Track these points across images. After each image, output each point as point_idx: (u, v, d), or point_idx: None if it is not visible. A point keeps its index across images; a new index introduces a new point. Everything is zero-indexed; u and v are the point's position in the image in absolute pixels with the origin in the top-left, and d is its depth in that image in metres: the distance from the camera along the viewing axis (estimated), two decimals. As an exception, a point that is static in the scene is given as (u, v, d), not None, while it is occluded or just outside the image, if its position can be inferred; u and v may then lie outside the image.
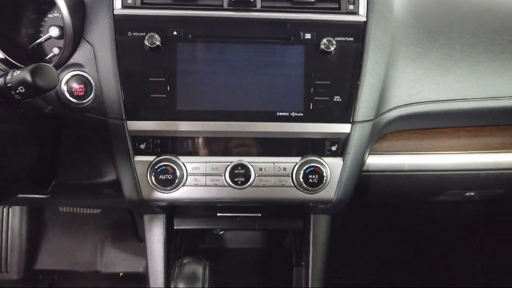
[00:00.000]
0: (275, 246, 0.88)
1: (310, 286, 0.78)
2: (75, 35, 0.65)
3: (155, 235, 0.76)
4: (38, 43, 0.71)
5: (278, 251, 0.87)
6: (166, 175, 0.64)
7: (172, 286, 0.66)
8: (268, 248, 0.87)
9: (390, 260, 1.32)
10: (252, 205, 0.75)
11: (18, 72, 0.49)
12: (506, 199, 0.86)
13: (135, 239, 1.38)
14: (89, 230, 1.38)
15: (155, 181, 0.65)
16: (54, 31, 0.71)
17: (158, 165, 0.64)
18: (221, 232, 0.84)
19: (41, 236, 1.39)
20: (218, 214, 0.74)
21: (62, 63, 0.66)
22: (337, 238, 0.85)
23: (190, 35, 0.64)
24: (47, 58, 0.73)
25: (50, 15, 0.74)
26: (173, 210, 0.76)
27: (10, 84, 0.49)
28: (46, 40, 0.70)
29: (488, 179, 0.77)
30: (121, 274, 1.35)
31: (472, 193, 0.80)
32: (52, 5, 0.69)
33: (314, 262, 0.80)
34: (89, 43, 0.65)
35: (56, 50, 0.73)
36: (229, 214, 0.75)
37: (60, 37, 0.72)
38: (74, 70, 0.65)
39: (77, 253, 1.37)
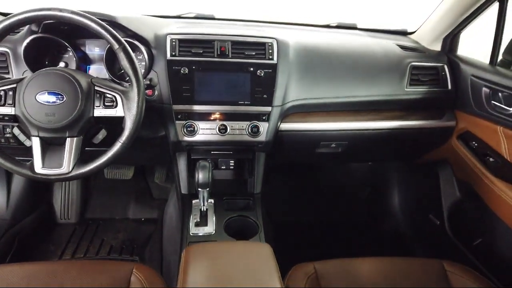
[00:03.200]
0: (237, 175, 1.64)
1: (255, 190, 1.55)
2: (149, 67, 1.43)
3: (182, 161, 1.51)
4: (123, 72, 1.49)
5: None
6: (190, 128, 1.41)
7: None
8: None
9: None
10: (228, 147, 1.53)
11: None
12: (351, 148, 1.67)
13: (150, 197, 2.12)
14: (122, 191, 2.09)
15: (186, 131, 1.41)
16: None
17: (187, 124, 1.41)
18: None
19: (90, 195, 2.09)
20: (212, 152, 1.52)
21: (141, 80, 1.44)
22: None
23: (200, 68, 1.43)
24: (127, 79, 1.50)
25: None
26: (189, 150, 1.52)
27: (148, 82, 1.23)
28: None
29: (339, 135, 1.58)
30: (143, 219, 2.06)
31: (333, 144, 1.62)
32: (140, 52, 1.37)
33: (257, 176, 1.52)
34: (155, 71, 1.43)
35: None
36: (217, 152, 1.52)
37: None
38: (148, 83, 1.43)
39: (114, 206, 2.08)
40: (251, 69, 1.42)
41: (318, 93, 1.50)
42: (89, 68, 1.49)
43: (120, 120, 1.13)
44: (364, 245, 1.98)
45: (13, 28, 1.07)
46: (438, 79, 1.61)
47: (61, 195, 2.00)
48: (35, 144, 1.09)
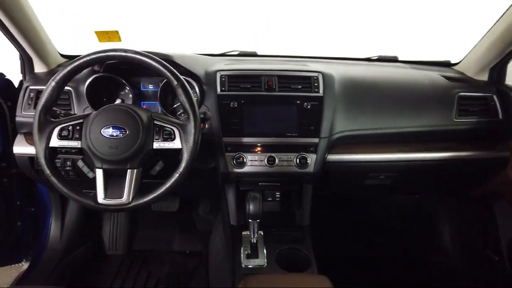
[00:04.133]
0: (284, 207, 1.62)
1: (303, 222, 1.53)
2: (201, 102, 1.49)
3: (230, 193, 1.52)
4: (175, 107, 1.56)
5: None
6: (239, 160, 1.43)
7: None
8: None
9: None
10: (275, 179, 1.53)
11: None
12: (400, 180, 1.64)
13: (194, 229, 2.13)
14: (167, 223, 2.13)
15: (235, 163, 1.44)
16: None
17: (236, 156, 1.44)
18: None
19: (137, 227, 2.14)
20: (260, 183, 1.53)
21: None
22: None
23: (248, 102, 1.48)
24: (178, 113, 1.57)
25: None
26: (238, 182, 1.54)
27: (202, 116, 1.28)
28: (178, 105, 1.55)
29: (388, 166, 1.56)
30: (187, 251, 2.07)
31: (382, 176, 1.59)
32: (192, 88, 1.46)
33: (305, 208, 1.51)
34: (206, 105, 1.50)
35: (182, 110, 1.58)
36: (265, 184, 1.53)
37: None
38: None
39: (160, 238, 2.11)
40: (298, 101, 1.45)
41: (364, 124, 1.50)
42: (143, 104, 1.57)
43: (177, 152, 1.17)
44: (416, 279, 1.90)
45: (81, 69, 1.16)
46: (488, 109, 1.58)
47: (109, 228, 2.06)
48: (99, 175, 1.15)
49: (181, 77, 1.16)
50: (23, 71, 1.63)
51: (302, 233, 1.46)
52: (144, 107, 1.57)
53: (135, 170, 1.16)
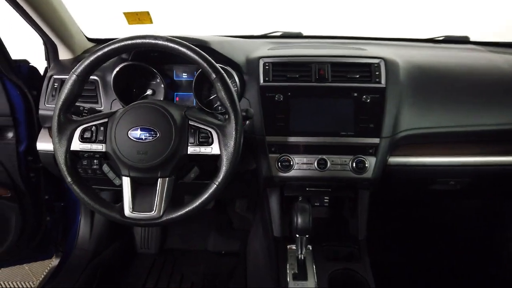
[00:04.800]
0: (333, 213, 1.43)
1: (359, 235, 1.30)
2: (241, 95, 1.30)
3: (274, 199, 1.35)
4: (211, 99, 1.38)
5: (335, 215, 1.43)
6: (286, 163, 1.25)
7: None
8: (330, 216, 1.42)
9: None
10: (326, 184, 1.33)
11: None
12: (474, 186, 1.38)
13: (230, 228, 1.98)
14: (201, 221, 1.99)
15: (280, 166, 1.25)
16: None
17: (282, 158, 1.25)
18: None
19: (169, 225, 2.02)
20: (307, 189, 1.34)
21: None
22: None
23: (296, 94, 1.27)
24: (215, 106, 1.39)
25: None
26: (282, 186, 1.36)
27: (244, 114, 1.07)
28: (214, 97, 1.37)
29: (461, 171, 1.32)
30: (223, 252, 1.93)
31: (452, 182, 1.35)
32: (232, 78, 1.25)
33: (361, 218, 1.30)
34: (246, 99, 1.30)
35: (219, 103, 1.39)
36: (314, 189, 1.34)
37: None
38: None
39: (193, 237, 1.98)
40: (355, 94, 1.23)
41: (434, 121, 1.26)
42: (176, 95, 1.40)
43: (215, 158, 1.00)
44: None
45: (105, 59, 0.99)
46: None
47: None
48: (125, 184, 1.00)
49: (221, 69, 0.97)
50: (47, 58, 1.49)
51: (358, 249, 1.26)
52: (177, 99, 1.39)
53: (167, 179, 0.99)
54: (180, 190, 1.06)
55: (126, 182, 1.00)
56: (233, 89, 0.99)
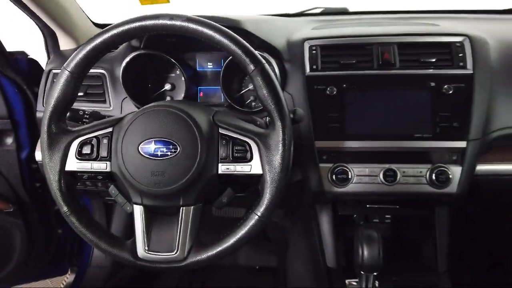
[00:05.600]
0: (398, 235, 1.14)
1: (439, 266, 1.02)
2: (282, 88, 1.03)
3: (325, 219, 1.09)
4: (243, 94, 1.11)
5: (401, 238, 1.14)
6: (343, 175, 0.97)
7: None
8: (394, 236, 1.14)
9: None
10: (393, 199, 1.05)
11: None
12: None
13: (265, 239, 1.73)
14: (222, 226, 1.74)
15: (334, 179, 0.98)
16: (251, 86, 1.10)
17: (337, 169, 0.98)
18: (361, 222, 1.13)
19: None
20: (368, 206, 1.06)
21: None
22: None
23: (354, 86, 0.99)
24: (248, 102, 1.12)
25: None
26: (335, 202, 1.09)
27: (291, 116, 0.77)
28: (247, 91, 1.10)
29: None
30: (257, 267, 1.69)
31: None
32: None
33: (440, 243, 1.04)
34: (289, 93, 1.03)
35: (252, 98, 1.13)
36: (376, 206, 1.07)
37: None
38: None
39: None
40: (432, 84, 0.94)
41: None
42: (199, 89, 1.14)
43: (255, 180, 0.74)
44: None
45: (113, 44, 0.74)
46: None
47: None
48: (138, 215, 0.75)
49: (262, 59, 0.70)
50: (46, 49, 1.26)
51: (437, 285, 0.98)
52: (201, 94, 1.14)
53: (192, 208, 0.74)
54: (207, 219, 0.81)
55: (138, 212, 0.75)
56: (279, 86, 0.72)
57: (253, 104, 1.10)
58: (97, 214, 1.56)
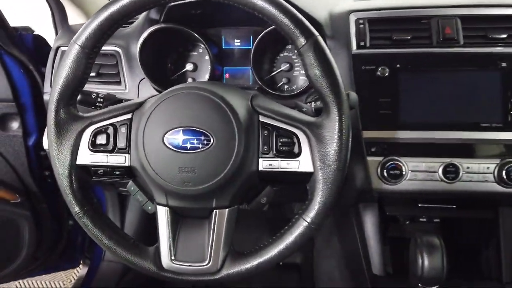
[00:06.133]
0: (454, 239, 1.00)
1: (504, 277, 0.89)
2: None
3: (369, 220, 0.96)
4: (274, 75, 0.98)
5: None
6: (395, 171, 0.84)
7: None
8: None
9: None
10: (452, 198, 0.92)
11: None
12: None
13: None
14: (252, 225, 1.64)
15: (385, 174, 0.85)
16: (285, 66, 0.97)
17: (388, 164, 0.85)
18: (407, 222, 1.01)
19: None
20: (419, 205, 0.94)
21: (309, 89, 0.91)
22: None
23: (409, 66, 0.85)
24: (280, 85, 0.99)
25: (282, 54, 1.01)
26: (381, 200, 0.96)
27: None
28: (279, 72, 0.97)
29: None
30: (281, 263, 1.58)
31: None
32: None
33: (506, 249, 0.90)
34: None
35: (284, 80, 0.99)
36: (429, 205, 0.94)
37: (289, 70, 0.98)
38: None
39: (243, 245, 1.64)
40: (503, 64, 0.81)
41: None
42: (225, 70, 1.01)
43: (303, 178, 0.61)
44: None
45: (131, 12, 0.61)
46: None
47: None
48: (162, 218, 0.64)
49: (315, 31, 0.57)
50: (54, 23, 1.13)
51: None
52: (227, 75, 1.00)
53: (226, 211, 0.62)
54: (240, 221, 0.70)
55: (163, 214, 0.64)
56: (335, 63, 0.59)
57: (285, 87, 0.97)
58: (110, 205, 1.45)
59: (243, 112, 0.61)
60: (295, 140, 0.61)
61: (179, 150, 0.59)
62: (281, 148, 0.61)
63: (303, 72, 0.93)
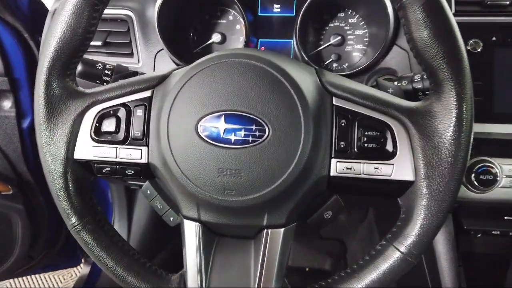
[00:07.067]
0: None
1: None
2: (392, 41, 0.71)
3: (442, 234, 0.78)
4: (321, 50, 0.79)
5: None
6: (487, 176, 0.67)
7: None
8: None
9: None
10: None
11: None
12: None
13: (316, 237, 1.44)
14: None
15: (475, 180, 0.67)
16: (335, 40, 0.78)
17: (478, 166, 0.66)
18: (478, 236, 0.84)
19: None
20: (505, 218, 0.75)
21: (370, 68, 0.72)
22: None
23: (508, 40, 0.67)
24: (328, 62, 0.80)
25: (331, 25, 0.82)
26: (456, 210, 0.78)
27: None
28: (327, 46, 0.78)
29: None
30: (307, 269, 1.42)
31: None
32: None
33: None
34: (403, 49, 0.71)
35: (333, 57, 0.81)
36: None
37: (340, 44, 0.80)
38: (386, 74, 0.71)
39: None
40: None
41: None
42: (260, 42, 0.82)
43: (397, 188, 0.43)
44: None
45: None
46: None
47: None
48: (190, 236, 0.46)
49: None
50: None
51: None
52: (262, 48, 0.81)
53: (282, 231, 0.44)
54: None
55: (192, 231, 0.46)
56: (454, 21, 0.40)
57: (334, 65, 0.78)
58: (116, 198, 1.29)
59: (311, 92, 0.42)
60: (388, 134, 0.42)
61: (219, 144, 0.41)
62: (366, 145, 0.43)
63: (358, 47, 0.75)
